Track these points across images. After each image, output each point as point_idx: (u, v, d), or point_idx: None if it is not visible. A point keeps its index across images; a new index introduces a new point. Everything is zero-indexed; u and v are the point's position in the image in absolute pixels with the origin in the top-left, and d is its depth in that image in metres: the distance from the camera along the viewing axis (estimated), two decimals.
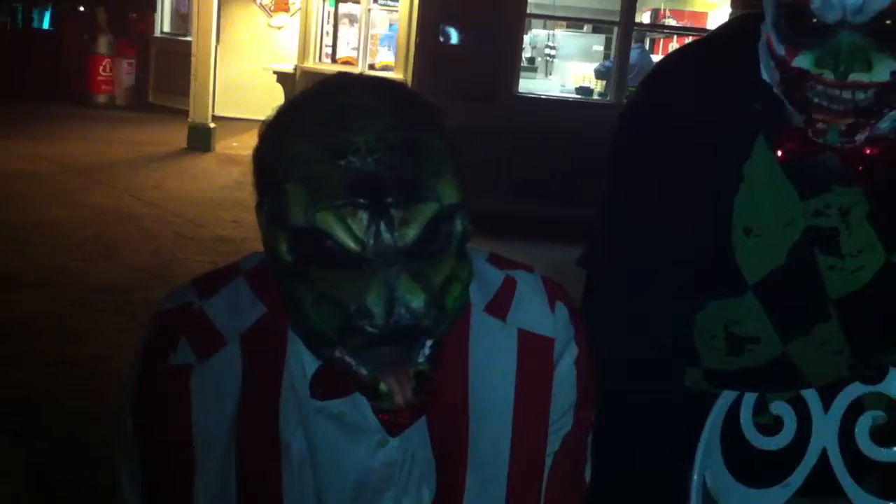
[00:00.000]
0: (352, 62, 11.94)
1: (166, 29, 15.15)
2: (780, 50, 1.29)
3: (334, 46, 12.60)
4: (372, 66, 11.64)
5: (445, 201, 0.98)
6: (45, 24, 20.25)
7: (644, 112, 1.52)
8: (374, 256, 0.95)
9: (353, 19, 12.56)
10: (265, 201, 1.02)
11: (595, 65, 11.05)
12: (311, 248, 0.97)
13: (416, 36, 8.92)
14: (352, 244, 0.94)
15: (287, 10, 14.24)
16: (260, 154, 1.03)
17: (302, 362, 1.10)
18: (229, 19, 13.78)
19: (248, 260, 1.18)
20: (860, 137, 1.27)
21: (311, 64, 11.88)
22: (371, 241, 0.94)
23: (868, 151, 1.30)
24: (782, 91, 1.32)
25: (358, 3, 11.99)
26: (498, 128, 8.13)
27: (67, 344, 4.66)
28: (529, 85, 9.91)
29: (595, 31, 12.21)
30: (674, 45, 12.11)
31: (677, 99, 1.44)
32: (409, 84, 7.99)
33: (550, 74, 11.67)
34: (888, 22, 1.20)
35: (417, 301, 0.95)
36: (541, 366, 1.16)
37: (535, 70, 11.57)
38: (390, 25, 12.20)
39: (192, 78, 10.92)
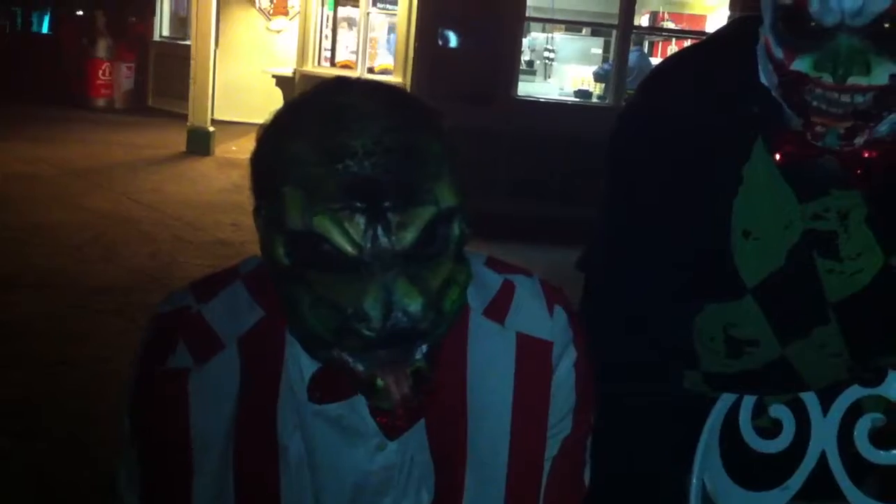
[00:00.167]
0: (351, 66, 11.94)
1: (165, 33, 15.15)
2: (779, 53, 1.29)
3: (333, 50, 12.60)
4: (371, 70, 11.63)
5: (443, 205, 0.98)
6: (45, 28, 20.26)
7: (642, 114, 1.52)
8: (371, 260, 0.94)
9: (351, 23, 12.56)
10: (263, 205, 1.02)
11: (593, 68, 11.06)
12: (309, 251, 0.97)
13: (415, 39, 8.92)
14: (349, 248, 0.94)
15: (286, 13, 14.24)
16: (257, 157, 1.03)
17: (300, 365, 1.09)
18: (228, 23, 13.78)
19: (246, 263, 1.18)
20: (859, 141, 1.27)
21: (310, 67, 11.88)
22: (368, 245, 0.94)
23: (867, 155, 1.30)
24: (781, 94, 1.32)
25: (357, 6, 11.99)
26: (497, 131, 8.13)
27: (67, 345, 4.66)
28: (528, 88, 9.92)
29: (594, 34, 12.21)
30: (672, 48, 12.15)
31: (676, 101, 1.44)
32: (408, 87, 8.01)
33: (549, 77, 11.68)
34: (887, 25, 1.20)
35: (415, 304, 0.95)
36: (539, 369, 1.16)
37: (533, 73, 11.58)
38: (389, 29, 12.20)
39: (191, 81, 10.92)
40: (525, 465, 1.15)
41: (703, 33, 9.80)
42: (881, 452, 1.47)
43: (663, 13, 12.54)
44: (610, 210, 1.53)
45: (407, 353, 0.99)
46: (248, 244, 6.27)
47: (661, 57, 11.69)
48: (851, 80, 1.22)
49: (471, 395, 1.13)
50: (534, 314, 1.18)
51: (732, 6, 9.55)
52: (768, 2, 1.31)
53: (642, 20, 11.67)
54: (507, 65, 8.66)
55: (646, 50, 11.96)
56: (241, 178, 8.99)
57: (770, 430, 1.49)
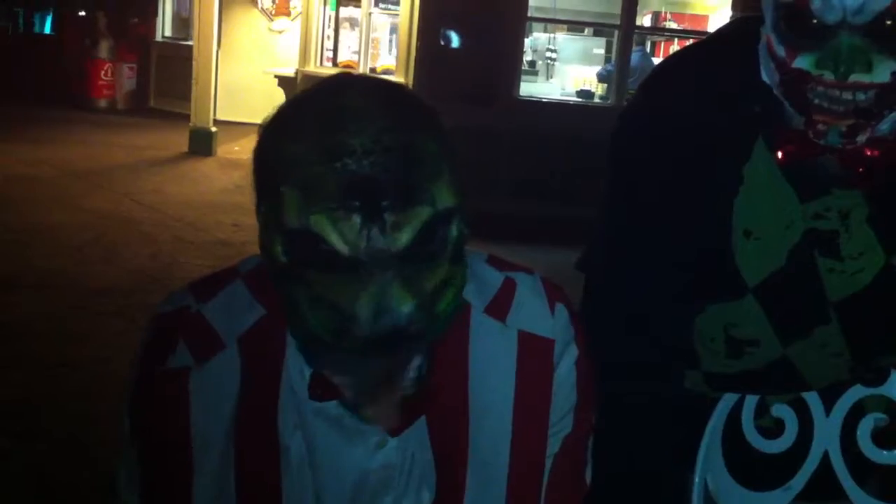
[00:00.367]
0: (353, 66, 11.93)
1: (167, 33, 15.17)
2: (780, 51, 1.28)
3: (335, 50, 12.61)
4: (373, 70, 11.63)
5: (440, 205, 0.98)
6: (47, 29, 20.27)
7: (643, 113, 1.51)
8: (367, 260, 0.94)
9: (353, 23, 12.56)
10: (262, 202, 1.02)
11: (596, 68, 11.06)
12: (306, 250, 0.96)
13: (417, 39, 8.92)
14: (344, 247, 0.94)
15: (288, 14, 14.25)
16: (257, 155, 1.03)
17: (300, 364, 1.09)
18: (230, 23, 13.80)
19: (246, 262, 1.18)
20: (861, 139, 1.27)
21: (312, 68, 11.89)
22: (364, 245, 0.94)
23: (868, 153, 1.30)
24: (782, 92, 1.31)
25: (359, 6, 11.99)
26: (498, 131, 8.14)
27: (67, 346, 4.66)
28: (530, 88, 9.93)
29: (596, 34, 12.22)
30: (674, 47, 12.12)
31: (677, 100, 1.44)
32: (411, 87, 8.00)
33: (551, 78, 11.68)
34: (888, 23, 1.20)
35: (406, 307, 0.94)
36: (541, 367, 1.16)
37: (535, 73, 11.58)
38: (391, 29, 12.21)
39: (193, 82, 10.93)
40: (526, 463, 1.15)
41: (705, 33, 9.79)
42: (884, 452, 1.46)
43: (665, 13, 12.53)
44: (610, 209, 1.53)
45: (399, 366, 0.99)
46: (250, 245, 6.27)
47: (664, 57, 11.67)
48: (853, 78, 1.21)
49: (472, 393, 1.13)
50: (535, 312, 1.18)
51: (734, 6, 9.55)
52: (770, 0, 1.30)
53: (644, 20, 11.68)
54: (509, 65, 8.66)
55: (648, 50, 11.95)
56: (243, 178, 8.95)
57: (772, 429, 1.49)
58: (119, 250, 6.57)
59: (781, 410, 1.48)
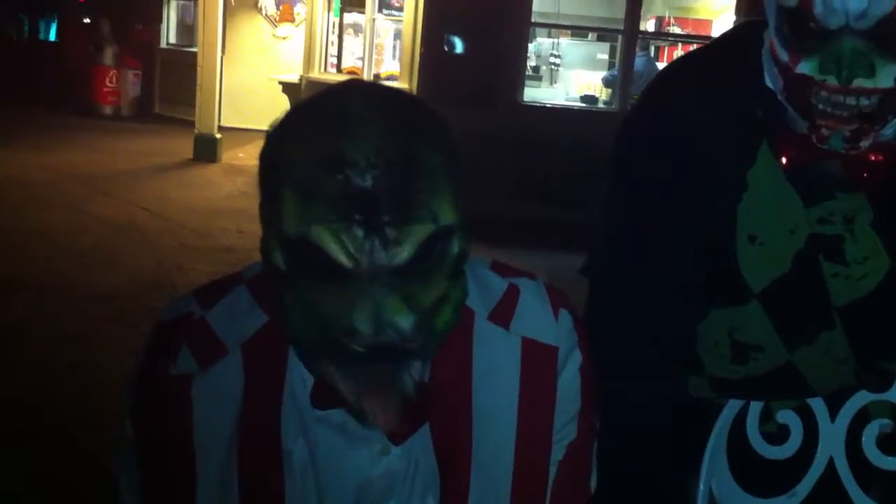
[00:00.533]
0: (357, 72, 11.95)
1: (172, 40, 15.20)
2: (784, 56, 1.28)
3: (339, 56, 12.61)
4: (377, 76, 11.64)
5: (442, 222, 0.97)
6: (52, 36, 20.32)
7: (645, 113, 1.52)
8: (365, 273, 0.94)
9: (357, 29, 12.57)
10: (264, 204, 1.02)
11: (599, 73, 11.05)
12: (303, 258, 0.96)
13: (421, 45, 8.94)
14: (345, 260, 0.93)
15: (292, 20, 14.27)
16: (262, 157, 1.03)
17: (303, 371, 1.09)
18: (235, 30, 13.83)
19: (250, 269, 1.18)
20: (864, 144, 1.26)
21: (316, 74, 11.90)
22: (364, 259, 0.93)
23: (873, 157, 1.30)
24: (786, 97, 1.31)
25: (363, 12, 12.01)
26: (502, 136, 8.13)
27: (69, 349, 4.68)
28: (534, 93, 9.93)
29: (599, 39, 12.21)
30: (678, 52, 12.11)
31: (679, 102, 1.44)
32: (414, 93, 8.00)
33: (555, 83, 11.67)
34: (891, 27, 1.19)
35: (406, 321, 0.94)
36: (545, 374, 1.16)
37: (539, 78, 11.58)
38: (395, 35, 12.22)
39: (197, 88, 10.94)
40: (530, 470, 1.15)
41: (709, 38, 9.78)
42: (889, 458, 1.46)
43: (669, 18, 12.52)
44: (612, 208, 1.53)
45: (395, 374, 0.98)
46: (254, 251, 6.21)
47: (668, 62, 11.64)
48: (856, 83, 1.21)
49: (476, 399, 1.12)
50: (539, 318, 1.17)
51: (738, 10, 9.54)
52: (773, 4, 1.30)
53: (648, 25, 11.67)
54: (513, 70, 8.66)
55: (652, 55, 11.94)
56: (247, 184, 9.02)
57: (777, 435, 1.48)
58: (122, 256, 6.58)
59: (786, 416, 1.48)
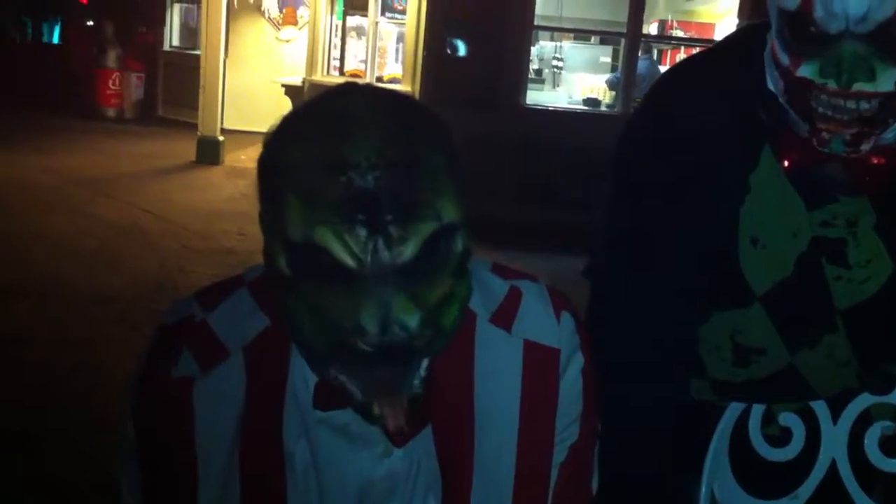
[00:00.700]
0: (360, 74, 11.97)
1: (175, 42, 15.22)
2: (785, 59, 1.28)
3: (342, 59, 12.64)
4: (380, 79, 11.66)
5: (445, 220, 0.97)
6: (55, 38, 20.37)
7: (648, 116, 1.52)
8: (370, 274, 0.94)
9: (360, 32, 12.59)
10: (265, 209, 1.02)
11: (602, 76, 11.06)
12: (308, 261, 0.96)
13: (424, 48, 8.94)
14: (350, 261, 0.94)
15: (295, 23, 14.29)
16: (262, 160, 1.03)
17: (305, 373, 1.09)
18: (238, 33, 13.84)
19: (251, 271, 1.18)
20: (865, 147, 1.26)
21: (319, 77, 11.92)
22: (369, 259, 0.93)
23: (875, 161, 1.30)
24: (787, 100, 1.31)
25: (366, 15, 12.03)
26: (505, 139, 8.14)
27: (71, 352, 4.69)
28: (537, 96, 9.94)
29: (602, 42, 12.23)
30: (681, 56, 12.12)
31: (681, 103, 1.44)
32: (417, 96, 8.01)
33: (558, 86, 11.69)
34: (892, 31, 1.19)
35: (413, 320, 0.94)
36: (546, 376, 1.16)
37: (542, 82, 11.59)
38: (398, 38, 12.23)
39: (200, 91, 10.95)
40: (532, 472, 1.15)
41: (712, 41, 9.80)
42: (891, 460, 1.46)
43: (672, 21, 12.53)
44: (614, 210, 1.53)
45: (404, 376, 0.98)
46: (256, 253, 6.23)
47: (671, 65, 11.65)
48: (857, 87, 1.21)
49: (478, 401, 1.12)
50: (541, 321, 1.17)
51: (741, 14, 9.54)
52: (774, 8, 1.30)
53: (651, 28, 11.68)
54: (516, 73, 8.67)
55: (654, 58, 11.95)
56: (250, 187, 9.01)
57: (779, 438, 1.48)
58: (125, 258, 6.59)
59: (788, 419, 1.48)
